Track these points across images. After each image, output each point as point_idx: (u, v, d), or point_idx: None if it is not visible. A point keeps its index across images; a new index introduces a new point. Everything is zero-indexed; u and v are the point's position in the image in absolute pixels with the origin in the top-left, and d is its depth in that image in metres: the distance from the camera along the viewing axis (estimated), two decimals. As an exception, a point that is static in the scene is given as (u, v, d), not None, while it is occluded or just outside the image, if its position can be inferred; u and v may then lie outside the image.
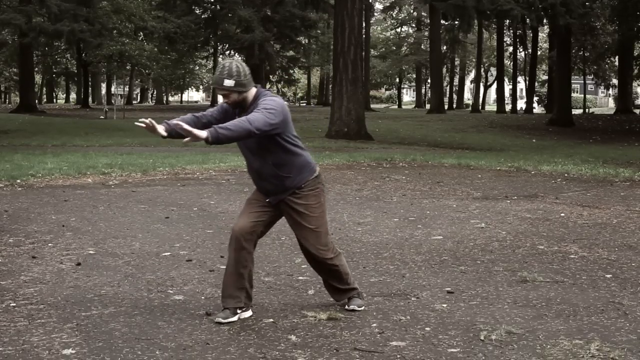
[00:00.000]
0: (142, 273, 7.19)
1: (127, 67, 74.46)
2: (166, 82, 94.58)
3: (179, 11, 47.83)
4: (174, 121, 5.46)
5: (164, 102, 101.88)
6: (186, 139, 5.28)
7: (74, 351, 4.98)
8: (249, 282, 5.77)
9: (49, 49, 64.92)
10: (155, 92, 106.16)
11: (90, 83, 76.42)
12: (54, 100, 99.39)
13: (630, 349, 5.07)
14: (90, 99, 73.35)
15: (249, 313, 5.74)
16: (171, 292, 6.51)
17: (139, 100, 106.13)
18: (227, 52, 61.20)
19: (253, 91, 5.65)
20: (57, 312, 5.88)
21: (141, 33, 54.16)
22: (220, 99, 5.62)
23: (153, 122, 5.46)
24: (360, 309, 5.95)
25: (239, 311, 5.67)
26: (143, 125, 5.49)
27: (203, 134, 5.15)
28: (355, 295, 6.03)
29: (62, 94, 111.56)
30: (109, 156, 19.37)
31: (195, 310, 5.94)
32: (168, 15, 46.97)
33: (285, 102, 5.71)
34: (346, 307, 5.97)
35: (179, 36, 46.95)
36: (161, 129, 5.50)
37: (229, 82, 5.52)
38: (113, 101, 68.11)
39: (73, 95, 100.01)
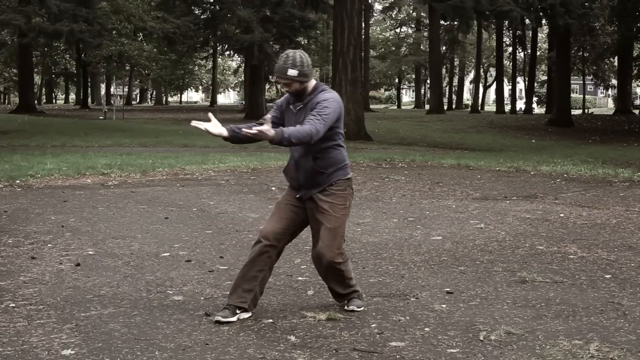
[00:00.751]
0: (141, 274, 7.19)
1: (127, 68, 74.51)
2: (165, 82, 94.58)
3: (178, 12, 47.72)
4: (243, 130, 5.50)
5: (163, 102, 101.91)
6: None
7: (73, 352, 4.98)
8: (260, 287, 5.78)
9: (48, 49, 64.96)
10: (154, 93, 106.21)
11: (89, 83, 76.50)
12: (54, 100, 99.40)
13: (630, 349, 5.07)
14: (89, 100, 73.43)
15: (247, 314, 5.73)
16: (170, 292, 6.51)
17: (138, 100, 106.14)
18: (227, 53, 61.22)
19: (312, 83, 5.75)
20: (57, 312, 5.88)
21: (140, 33, 54.14)
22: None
23: (212, 117, 5.66)
24: (359, 309, 5.95)
25: (238, 311, 5.66)
26: (201, 126, 5.61)
27: (270, 132, 5.24)
28: (355, 296, 6.03)
29: (62, 95, 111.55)
30: (108, 157, 19.37)
31: (194, 311, 5.94)
32: (167, 15, 46.88)
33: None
34: (345, 307, 5.97)
35: (178, 36, 46.87)
36: (224, 130, 5.60)
37: (292, 72, 5.60)
38: (112, 102, 68.15)
39: (72, 96, 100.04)
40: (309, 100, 5.66)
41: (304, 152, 5.72)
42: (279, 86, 53.18)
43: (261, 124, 5.31)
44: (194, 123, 5.64)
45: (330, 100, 5.60)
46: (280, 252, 5.83)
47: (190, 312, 5.92)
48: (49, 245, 8.52)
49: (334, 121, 5.60)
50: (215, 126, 5.58)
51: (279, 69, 5.62)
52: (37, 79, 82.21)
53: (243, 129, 5.46)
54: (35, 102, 58.17)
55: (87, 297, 6.33)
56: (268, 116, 5.50)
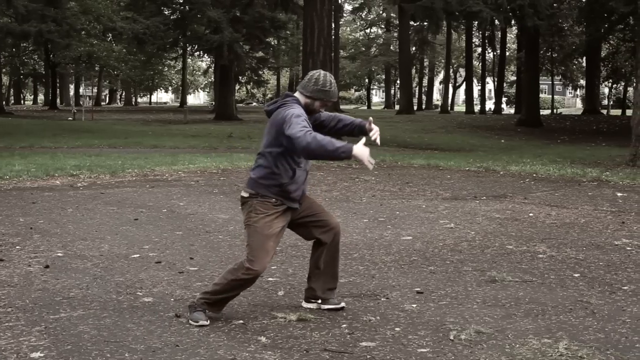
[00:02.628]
0: (111, 275, 7.15)
1: (96, 69, 74.12)
2: (135, 83, 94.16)
3: (147, 12, 47.59)
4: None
5: (133, 103, 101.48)
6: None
7: (42, 354, 4.95)
8: None
9: (16, 50, 64.48)
10: (124, 93, 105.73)
11: (58, 84, 75.97)
12: (22, 101, 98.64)
13: (598, 347, 5.11)
14: (58, 101, 72.97)
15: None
16: (140, 294, 6.48)
17: (107, 101, 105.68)
18: (196, 53, 61.04)
19: None
20: (25, 315, 5.84)
21: (110, 34, 53.90)
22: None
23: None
24: (339, 306, 5.97)
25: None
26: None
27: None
28: (334, 295, 6.07)
29: (30, 96, 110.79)
30: (78, 158, 19.26)
31: (164, 312, 5.92)
32: (137, 16, 46.75)
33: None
34: (323, 306, 5.98)
35: (147, 37, 46.71)
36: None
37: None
38: (81, 102, 67.83)
39: (41, 97, 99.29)
40: (318, 115, 5.89)
41: (308, 164, 5.90)
42: (248, 87, 53.05)
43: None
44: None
45: None
46: None
47: (161, 313, 5.90)
48: (17, 247, 8.45)
49: None
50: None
51: (337, 93, 5.81)
52: (5, 79, 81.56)
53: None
54: (3, 103, 57.73)
55: (56, 299, 6.29)
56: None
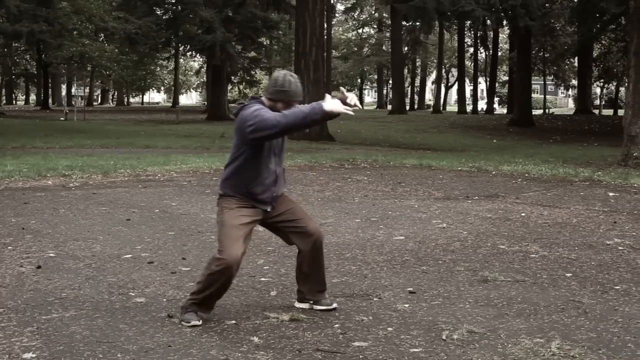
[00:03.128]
0: (103, 276, 7.14)
1: (88, 69, 74.00)
2: (127, 83, 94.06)
3: (139, 12, 47.53)
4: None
5: (125, 103, 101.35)
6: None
7: (34, 355, 4.94)
8: None
9: (8, 50, 64.32)
10: (116, 94, 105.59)
11: (50, 84, 75.84)
12: (14, 101, 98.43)
13: (590, 347, 5.12)
14: (50, 101, 72.86)
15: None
16: (132, 294, 6.47)
17: (99, 101, 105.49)
18: (189, 53, 60.99)
19: None
20: (17, 315, 5.83)
21: (102, 34, 53.83)
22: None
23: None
24: (331, 307, 5.96)
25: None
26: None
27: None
28: (325, 296, 6.06)
29: (22, 96, 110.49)
30: (70, 158, 19.22)
31: (157, 313, 5.91)
32: (129, 16, 46.69)
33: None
34: (315, 306, 5.97)
35: (139, 37, 46.65)
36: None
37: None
38: (73, 103, 67.70)
39: (33, 97, 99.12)
40: None
41: (281, 164, 5.86)
42: (241, 87, 53.01)
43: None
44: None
45: None
46: None
47: (153, 314, 5.89)
48: (9, 247, 8.44)
49: None
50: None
51: (300, 92, 5.73)
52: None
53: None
54: (-5, 103, 57.62)
55: (49, 299, 6.28)
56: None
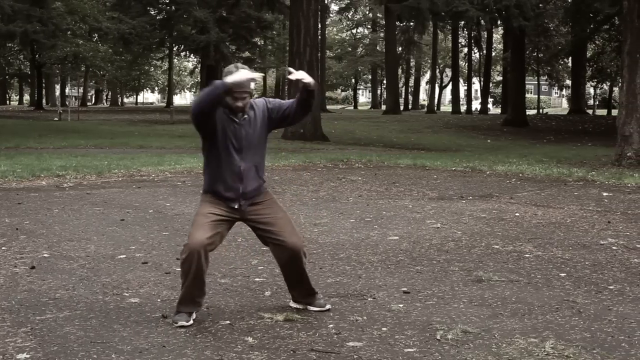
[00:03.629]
0: (97, 276, 7.13)
1: (82, 69, 73.90)
2: (121, 83, 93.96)
3: (133, 12, 47.47)
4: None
5: (119, 103, 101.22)
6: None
7: (28, 356, 4.93)
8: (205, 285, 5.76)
9: (1, 50, 64.21)
10: (110, 94, 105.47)
11: (44, 85, 75.75)
12: (7, 102, 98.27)
13: (585, 347, 5.12)
14: (44, 101, 72.74)
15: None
16: (127, 295, 6.47)
17: (93, 101, 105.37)
18: (183, 53, 60.95)
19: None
20: (11, 316, 5.82)
21: (95, 34, 53.77)
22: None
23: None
24: (325, 308, 5.95)
25: (194, 315, 5.66)
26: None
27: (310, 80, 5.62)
28: (318, 297, 6.04)
29: (16, 96, 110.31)
30: (63, 158, 19.19)
31: (151, 313, 5.90)
32: (123, 16, 46.65)
33: None
34: (309, 307, 5.97)
35: (133, 37, 46.63)
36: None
37: (253, 85, 5.66)
38: (67, 103, 67.49)
39: (27, 97, 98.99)
40: (253, 110, 5.73)
41: (247, 162, 5.71)
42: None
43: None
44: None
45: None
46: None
47: (147, 314, 5.89)
48: (3, 248, 8.42)
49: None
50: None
51: (245, 82, 5.55)
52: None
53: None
54: (-11, 103, 57.52)
55: (43, 300, 6.27)
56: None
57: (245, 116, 5.68)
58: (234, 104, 5.57)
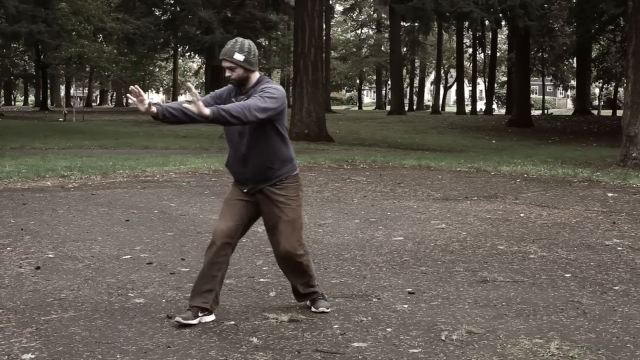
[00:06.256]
0: (102, 276, 7.14)
1: (87, 70, 73.98)
2: (126, 84, 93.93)
3: (138, 13, 47.53)
4: (173, 104, 5.37)
5: (124, 104, 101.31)
6: (187, 106, 5.26)
7: (33, 356, 4.94)
8: (219, 285, 5.74)
9: (6, 50, 64.33)
10: (114, 94, 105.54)
11: (49, 85, 75.80)
12: (12, 102, 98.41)
13: (589, 347, 5.11)
14: (49, 101, 72.78)
15: (211, 317, 5.69)
16: (132, 295, 6.47)
17: (98, 102, 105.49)
18: (187, 54, 60.98)
19: (256, 75, 5.68)
20: (17, 316, 5.82)
21: (100, 34, 53.83)
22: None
23: (140, 91, 5.33)
24: (328, 310, 5.94)
25: (200, 314, 5.62)
26: (134, 93, 5.34)
27: (206, 110, 5.13)
28: (320, 297, 6.04)
29: (21, 96, 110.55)
30: (68, 159, 19.21)
31: (156, 314, 5.91)
32: (127, 16, 46.69)
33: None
34: (313, 309, 5.96)
35: (138, 37, 46.68)
36: (151, 108, 5.32)
37: (239, 56, 5.55)
38: (72, 103, 67.75)
39: (31, 98, 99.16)
40: (253, 92, 5.56)
41: (253, 146, 5.63)
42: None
43: (190, 103, 5.20)
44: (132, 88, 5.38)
45: (276, 89, 5.56)
46: (235, 247, 5.83)
47: (152, 314, 5.89)
48: (8, 248, 8.43)
49: (277, 112, 5.52)
50: (143, 103, 5.34)
51: (225, 51, 5.57)
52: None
53: (183, 105, 5.27)
54: (-6, 104, 57.59)
55: (48, 300, 6.27)
56: (196, 98, 5.22)
57: (244, 97, 5.60)
58: (228, 76, 5.62)
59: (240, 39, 5.68)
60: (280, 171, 5.71)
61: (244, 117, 5.24)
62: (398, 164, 19.39)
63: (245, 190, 5.77)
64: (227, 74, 5.60)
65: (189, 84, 5.36)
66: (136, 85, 5.41)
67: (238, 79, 5.60)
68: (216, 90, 5.79)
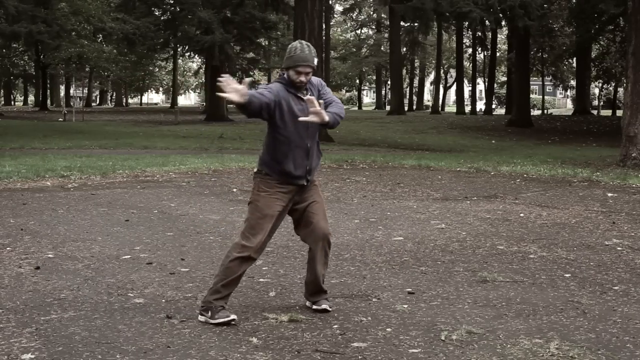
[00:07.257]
0: (102, 276, 7.13)
1: (86, 70, 74.01)
2: (125, 84, 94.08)
3: (138, 13, 47.52)
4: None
5: (124, 104, 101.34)
6: (306, 119, 5.44)
7: (33, 356, 4.93)
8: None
9: (6, 50, 64.33)
10: (114, 94, 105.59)
11: (48, 85, 75.83)
12: (12, 102, 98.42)
13: (589, 347, 5.11)
14: (48, 101, 72.82)
15: (204, 318, 5.70)
16: (131, 295, 6.47)
17: (98, 102, 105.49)
18: (187, 54, 60.97)
19: None
20: (16, 316, 5.82)
21: (100, 34, 53.81)
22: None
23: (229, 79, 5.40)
24: (330, 309, 5.95)
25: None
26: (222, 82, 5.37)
27: (327, 117, 5.46)
28: (325, 297, 6.05)
29: (20, 96, 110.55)
30: (68, 159, 19.22)
31: (155, 314, 5.90)
32: (127, 16, 46.67)
33: None
34: (314, 306, 5.96)
35: (138, 37, 46.66)
36: (241, 94, 5.33)
37: (316, 61, 5.68)
38: (72, 103, 67.74)
39: (31, 98, 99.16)
40: (310, 87, 5.76)
41: (314, 135, 5.84)
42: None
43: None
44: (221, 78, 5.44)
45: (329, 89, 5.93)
46: None
47: (152, 314, 5.89)
48: (8, 248, 8.43)
49: None
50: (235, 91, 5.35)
51: (305, 57, 5.59)
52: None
53: (310, 98, 5.44)
54: (-6, 104, 57.59)
55: (47, 300, 6.27)
56: (320, 109, 5.44)
57: (308, 93, 5.69)
58: (297, 79, 5.62)
59: (305, 43, 5.72)
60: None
61: (343, 117, 5.81)
62: (398, 164, 19.39)
63: (305, 183, 5.82)
64: (302, 78, 5.63)
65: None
66: (227, 75, 5.42)
67: (307, 82, 5.71)
68: (269, 85, 5.70)
